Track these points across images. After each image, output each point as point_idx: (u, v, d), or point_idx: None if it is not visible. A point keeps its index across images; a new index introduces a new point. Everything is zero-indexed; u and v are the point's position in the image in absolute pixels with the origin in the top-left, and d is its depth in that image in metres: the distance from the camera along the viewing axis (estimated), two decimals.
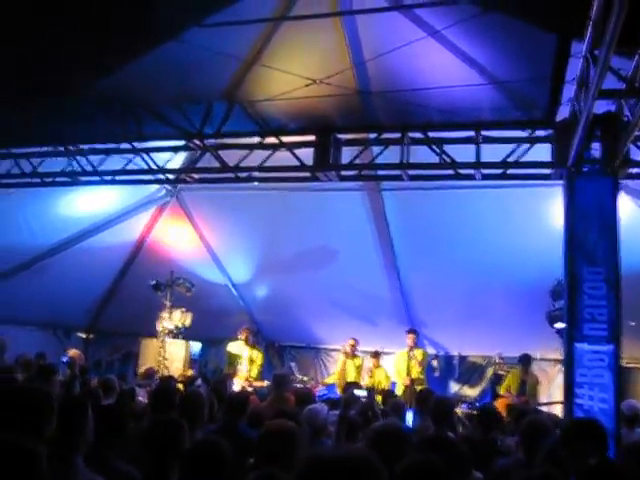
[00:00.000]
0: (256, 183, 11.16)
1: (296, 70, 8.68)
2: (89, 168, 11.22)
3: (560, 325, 10.44)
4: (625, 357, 10.29)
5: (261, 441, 4.77)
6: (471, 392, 15.17)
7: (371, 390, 12.44)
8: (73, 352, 12.66)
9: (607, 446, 5.35)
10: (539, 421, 6.51)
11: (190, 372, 13.82)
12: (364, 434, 5.84)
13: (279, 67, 8.76)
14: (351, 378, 13.77)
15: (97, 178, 11.42)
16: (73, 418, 4.67)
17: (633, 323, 10.78)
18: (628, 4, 4.82)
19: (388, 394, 11.76)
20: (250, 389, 12.78)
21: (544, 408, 12.64)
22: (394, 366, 14.16)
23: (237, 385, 13.08)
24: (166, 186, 13.96)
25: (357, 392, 10.55)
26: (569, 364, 7.98)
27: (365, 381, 13.74)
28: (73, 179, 11.52)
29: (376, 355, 14.04)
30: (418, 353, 13.93)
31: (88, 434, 4.68)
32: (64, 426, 4.61)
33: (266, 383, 13.46)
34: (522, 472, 5.25)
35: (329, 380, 14.66)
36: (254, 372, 14.03)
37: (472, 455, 5.75)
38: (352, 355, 14.10)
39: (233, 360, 14.15)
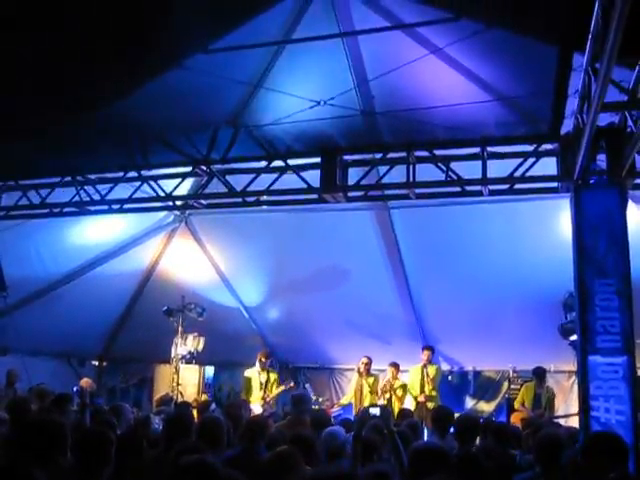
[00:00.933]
0: (265, 207, 11.21)
1: (300, 92, 8.72)
2: (97, 197, 11.26)
3: (573, 337, 10.40)
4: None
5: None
6: (487, 407, 15.13)
7: (385, 408, 12.36)
8: (84, 381, 12.72)
9: (627, 460, 5.32)
10: (554, 435, 6.48)
11: (204, 397, 13.82)
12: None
13: (283, 89, 8.81)
14: (366, 398, 13.67)
15: (105, 207, 11.46)
16: (97, 449, 4.69)
17: None
18: (627, 17, 4.84)
19: (404, 413, 11.70)
20: (266, 407, 12.80)
21: (561, 421, 12.60)
22: (408, 381, 14.08)
23: (255, 409, 13.06)
24: (174, 212, 14.00)
25: (372, 410, 10.48)
26: (583, 377, 7.93)
27: (381, 396, 13.66)
28: (81, 209, 11.56)
29: (395, 366, 13.94)
30: (431, 369, 13.90)
31: (110, 465, 4.70)
32: (87, 457, 4.63)
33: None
34: None
35: (344, 401, 14.56)
36: (272, 393, 13.98)
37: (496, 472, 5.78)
38: (366, 374, 14.00)
39: (250, 386, 14.13)
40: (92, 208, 11.57)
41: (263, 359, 14.13)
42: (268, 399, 13.69)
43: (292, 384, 14.39)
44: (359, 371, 14.01)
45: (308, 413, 9.12)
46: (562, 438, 6.53)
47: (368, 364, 13.97)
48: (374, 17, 7.67)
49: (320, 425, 7.97)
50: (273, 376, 14.21)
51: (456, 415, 8.06)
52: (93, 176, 11.30)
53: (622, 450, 5.34)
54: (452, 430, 7.66)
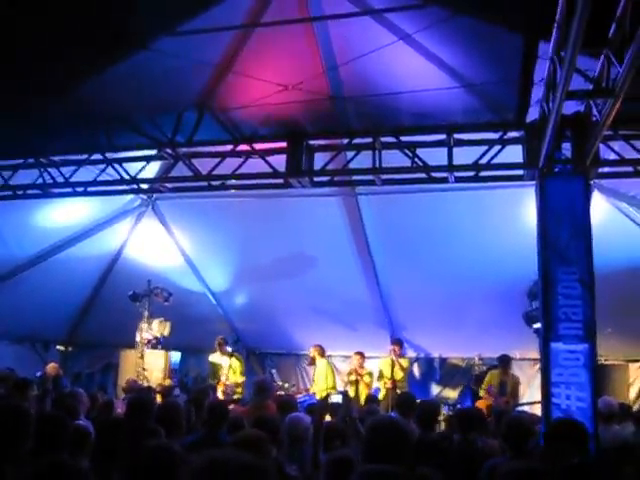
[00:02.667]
0: (232, 191, 11.15)
1: (268, 76, 8.68)
2: (61, 179, 11.13)
3: (538, 325, 10.47)
4: (602, 354, 10.38)
5: None
6: (452, 394, 15.25)
7: (346, 394, 12.38)
8: (50, 366, 12.59)
9: (588, 446, 5.37)
10: (521, 420, 6.53)
11: (168, 382, 13.75)
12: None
13: (251, 74, 8.75)
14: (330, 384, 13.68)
15: (69, 189, 11.33)
16: (51, 433, 4.64)
17: (610, 330, 10.89)
18: (591, 5, 4.85)
19: (369, 399, 11.74)
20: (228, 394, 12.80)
21: (525, 408, 12.70)
22: (379, 369, 14.08)
23: (219, 394, 13.04)
24: (141, 196, 13.89)
25: (333, 397, 10.53)
26: (546, 364, 8.01)
27: (347, 383, 13.71)
28: (45, 191, 11.43)
29: (361, 354, 13.97)
30: (403, 361, 13.93)
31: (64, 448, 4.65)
32: (42, 441, 4.59)
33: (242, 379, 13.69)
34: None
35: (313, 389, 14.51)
36: (236, 379, 13.95)
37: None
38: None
39: (216, 370, 14.10)
40: (56, 190, 11.46)
41: (221, 344, 14.12)
42: (228, 383, 13.62)
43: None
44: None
45: (271, 398, 9.11)
46: (529, 423, 6.58)
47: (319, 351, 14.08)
48: (343, 2, 7.62)
49: (286, 410, 7.96)
50: (236, 361, 14.15)
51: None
52: (57, 158, 11.17)
53: (583, 436, 5.39)
54: None
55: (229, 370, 13.86)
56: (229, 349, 14.16)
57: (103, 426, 6.44)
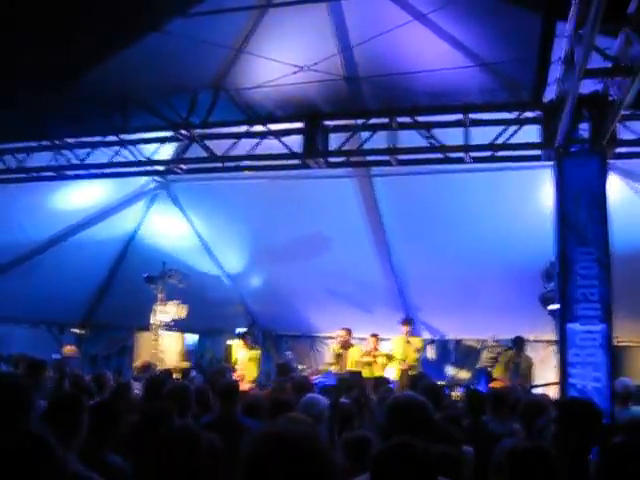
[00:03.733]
0: (247, 172, 11.14)
1: (283, 57, 8.67)
2: (75, 161, 11.15)
3: (553, 306, 10.44)
4: (617, 336, 10.34)
5: None
6: (467, 375, 15.21)
7: (359, 375, 12.39)
8: (68, 349, 12.64)
9: (601, 425, 5.34)
10: (540, 402, 6.51)
11: (185, 364, 13.82)
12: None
13: (266, 55, 8.74)
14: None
15: (84, 172, 11.37)
16: (66, 416, 4.66)
17: None
18: None
19: (381, 381, 11.73)
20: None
21: (539, 390, 12.70)
22: (393, 351, 14.11)
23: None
24: (156, 178, 13.89)
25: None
26: (562, 344, 8.00)
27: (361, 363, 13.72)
28: (59, 173, 11.45)
29: (376, 336, 14.00)
30: (415, 341, 13.95)
31: (82, 431, 4.67)
32: (57, 423, 4.60)
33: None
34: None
35: (325, 368, 14.55)
36: (252, 371, 13.98)
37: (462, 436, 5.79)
38: (348, 346, 14.01)
39: (230, 354, 14.14)
40: (71, 172, 11.47)
41: (245, 338, 14.23)
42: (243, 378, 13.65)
43: None
44: (340, 344, 14.01)
45: (290, 381, 9.14)
46: (544, 404, 6.57)
47: (346, 337, 14.01)
48: None
49: (302, 390, 7.98)
50: (255, 353, 14.21)
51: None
52: (71, 140, 11.18)
53: (596, 416, 5.36)
54: None
55: (246, 361, 13.89)
56: (251, 342, 14.24)
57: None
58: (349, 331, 14.07)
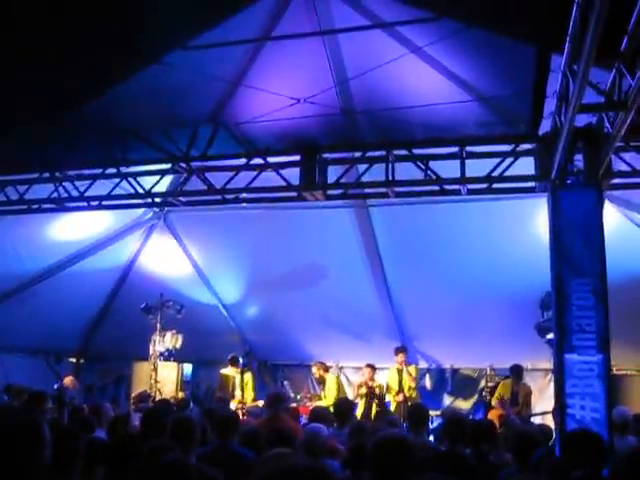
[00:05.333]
0: (244, 204, 11.20)
1: (280, 90, 8.74)
2: (75, 194, 11.19)
3: (550, 336, 10.48)
4: (615, 364, 10.37)
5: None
6: (464, 405, 15.20)
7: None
8: (68, 379, 12.63)
9: (604, 457, 5.37)
10: (528, 432, 6.54)
11: (182, 394, 13.79)
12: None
13: (264, 87, 8.81)
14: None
15: (84, 203, 11.40)
16: (64, 449, 4.67)
17: None
18: (605, 20, 4.88)
19: (383, 411, 11.73)
20: (243, 412, 12.78)
21: (537, 418, 12.69)
22: (387, 382, 14.10)
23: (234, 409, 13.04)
24: (153, 208, 13.94)
25: None
26: (559, 375, 8.00)
27: (357, 396, 13.68)
28: (60, 205, 11.50)
29: (372, 367, 13.98)
30: (411, 369, 13.93)
31: (77, 466, 4.69)
32: (55, 457, 4.62)
33: (260, 403, 13.52)
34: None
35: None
36: (248, 395, 13.98)
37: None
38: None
39: (227, 383, 14.10)
40: (71, 204, 11.53)
41: (232, 361, 14.18)
42: (245, 406, 13.62)
43: None
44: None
45: (285, 411, 9.11)
46: (536, 436, 6.59)
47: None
48: (355, 16, 7.70)
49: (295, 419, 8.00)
50: (247, 376, 14.19)
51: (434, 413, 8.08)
52: (72, 172, 11.24)
53: (599, 447, 5.39)
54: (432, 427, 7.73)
55: (241, 386, 13.88)
56: (240, 366, 14.19)
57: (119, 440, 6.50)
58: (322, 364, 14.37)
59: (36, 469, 4.22)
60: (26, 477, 3.69)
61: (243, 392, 13.87)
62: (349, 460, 5.90)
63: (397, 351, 13.99)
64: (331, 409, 9.85)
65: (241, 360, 14.29)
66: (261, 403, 13.72)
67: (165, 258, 15.32)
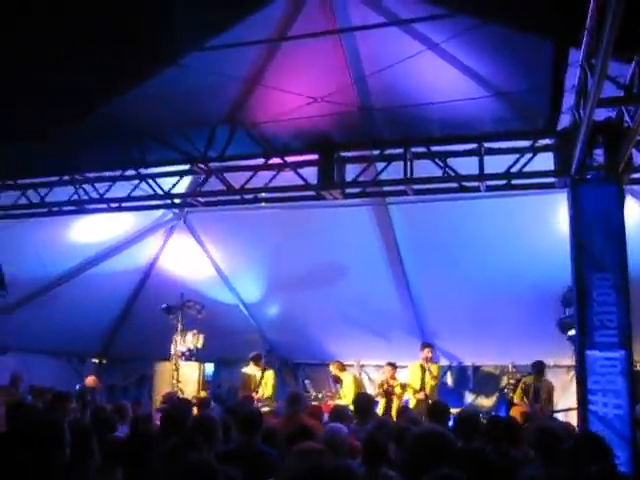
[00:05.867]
0: (263, 204, 11.22)
1: (298, 89, 8.74)
2: (95, 195, 11.28)
3: (572, 332, 10.41)
4: (638, 360, 10.29)
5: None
6: (486, 402, 15.14)
7: None
8: (90, 379, 12.72)
9: (611, 459, 5.34)
10: (552, 428, 6.49)
11: (203, 394, 13.84)
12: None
13: (281, 87, 8.81)
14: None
15: (104, 205, 11.49)
16: (81, 448, 4.72)
17: None
18: (622, 12, 4.84)
19: (402, 410, 11.70)
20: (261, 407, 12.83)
21: (560, 415, 12.62)
22: (408, 379, 14.07)
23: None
24: (173, 210, 14.00)
25: None
26: (581, 372, 7.95)
27: (378, 394, 13.65)
28: (80, 207, 11.59)
29: (392, 365, 13.98)
30: (433, 368, 13.91)
31: (94, 462, 4.73)
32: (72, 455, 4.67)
33: (275, 404, 13.64)
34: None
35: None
36: (267, 392, 14.01)
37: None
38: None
39: (249, 382, 14.14)
40: (91, 207, 11.62)
41: (255, 359, 14.23)
42: (262, 398, 13.66)
43: None
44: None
45: (303, 410, 9.10)
46: (559, 431, 6.55)
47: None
48: (371, 13, 7.68)
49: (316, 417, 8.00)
50: (268, 374, 14.22)
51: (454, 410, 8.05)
52: (91, 175, 11.32)
53: (604, 451, 5.39)
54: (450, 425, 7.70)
55: (262, 383, 13.92)
56: (262, 364, 14.22)
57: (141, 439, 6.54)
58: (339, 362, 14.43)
59: (56, 467, 4.29)
60: (46, 474, 3.75)
61: (263, 390, 13.89)
62: (365, 456, 5.89)
63: (423, 346, 14.02)
64: (351, 406, 9.84)
65: (263, 359, 14.34)
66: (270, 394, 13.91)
67: (185, 259, 15.39)
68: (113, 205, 11.43)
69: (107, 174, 11.30)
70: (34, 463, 4.27)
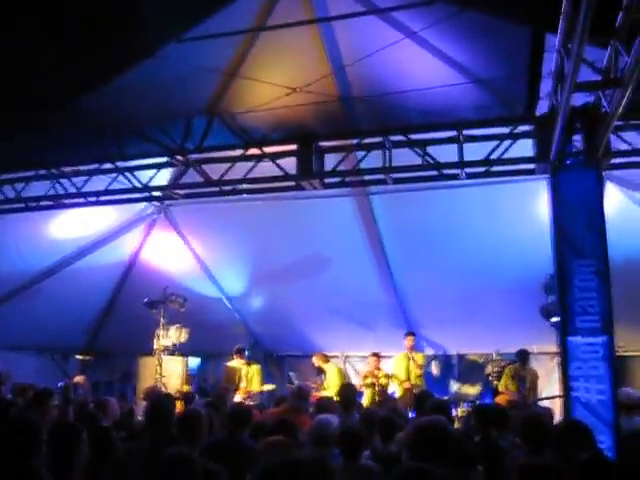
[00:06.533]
0: (244, 195, 11.15)
1: (276, 80, 8.70)
2: (73, 190, 11.19)
3: (555, 319, 10.44)
4: (620, 346, 10.32)
5: None
6: (471, 390, 15.19)
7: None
8: (79, 378, 12.64)
9: (594, 445, 5.36)
10: (538, 415, 6.50)
11: (187, 388, 13.78)
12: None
13: (259, 78, 8.76)
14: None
15: (81, 200, 11.40)
16: (66, 445, 4.66)
17: None
18: None
19: (386, 398, 11.69)
20: (249, 401, 12.79)
21: (545, 402, 12.67)
22: (394, 369, 14.08)
23: (236, 399, 13.03)
24: (154, 203, 13.91)
25: None
26: (564, 358, 7.97)
27: (363, 385, 13.66)
28: (57, 202, 11.49)
29: (377, 355, 13.98)
30: (418, 357, 13.93)
31: (81, 460, 4.67)
32: (57, 453, 4.61)
33: (265, 388, 13.63)
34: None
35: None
36: (254, 386, 13.98)
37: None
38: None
39: (233, 375, 14.08)
40: (68, 201, 11.52)
41: (238, 353, 14.17)
42: (251, 393, 13.64)
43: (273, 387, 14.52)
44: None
45: (305, 408, 9.01)
46: (544, 418, 6.56)
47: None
48: (348, 2, 7.64)
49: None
50: (254, 368, 14.18)
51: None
52: (68, 169, 11.22)
53: (589, 438, 5.41)
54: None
55: (247, 378, 13.88)
56: (246, 357, 14.18)
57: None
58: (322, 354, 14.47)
59: (33, 465, 4.23)
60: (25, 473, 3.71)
61: (249, 384, 13.85)
62: (342, 448, 5.87)
63: (407, 335, 14.06)
64: (335, 398, 9.81)
65: (247, 352, 14.29)
66: (266, 388, 13.85)
67: (167, 252, 15.28)
68: (91, 199, 11.35)
69: (84, 168, 11.20)
70: (9, 463, 4.23)
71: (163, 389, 13.11)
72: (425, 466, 3.51)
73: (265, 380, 14.65)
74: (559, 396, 11.38)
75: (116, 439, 5.71)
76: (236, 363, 14.19)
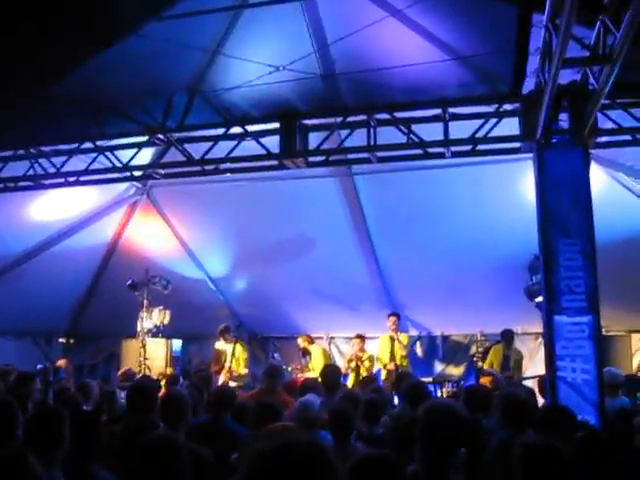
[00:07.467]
0: (228, 175, 11.03)
1: (259, 58, 8.59)
2: (52, 170, 11.02)
3: (539, 299, 10.42)
4: (605, 325, 10.33)
5: None
6: (456, 371, 15.21)
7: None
8: (62, 361, 12.54)
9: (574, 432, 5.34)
10: (518, 395, 6.46)
11: (170, 370, 13.70)
12: None
13: (242, 56, 8.65)
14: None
15: (61, 180, 11.22)
16: (47, 429, 4.57)
17: None
18: None
19: (369, 379, 11.66)
20: (232, 382, 12.73)
21: (529, 382, 12.68)
22: (378, 350, 14.08)
23: (220, 379, 12.98)
24: (135, 184, 13.76)
25: None
26: (550, 337, 7.96)
27: (348, 367, 13.66)
28: (37, 182, 11.32)
29: (361, 337, 13.96)
30: (402, 337, 13.91)
31: (63, 444, 4.58)
32: (40, 438, 4.52)
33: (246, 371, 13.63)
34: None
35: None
36: (240, 366, 13.89)
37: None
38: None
39: (220, 357, 14.01)
40: (48, 182, 11.35)
41: (223, 332, 14.06)
42: (235, 374, 13.55)
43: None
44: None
45: (281, 385, 9.02)
46: (524, 397, 6.52)
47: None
48: None
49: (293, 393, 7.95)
50: (239, 349, 14.08)
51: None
52: (47, 148, 11.05)
53: (571, 422, 5.41)
54: None
55: (232, 358, 13.78)
56: (232, 336, 14.07)
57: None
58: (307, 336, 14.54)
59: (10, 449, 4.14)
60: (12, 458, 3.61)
61: (236, 363, 13.76)
62: (332, 429, 5.82)
63: (390, 315, 14.05)
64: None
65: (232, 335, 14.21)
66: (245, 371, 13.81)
67: (150, 234, 15.17)
68: (71, 179, 11.17)
69: (64, 147, 11.02)
70: None
71: (146, 371, 13.04)
72: (385, 453, 3.49)
73: (250, 362, 14.55)
74: (543, 375, 11.40)
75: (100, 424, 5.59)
76: (221, 344, 14.10)
